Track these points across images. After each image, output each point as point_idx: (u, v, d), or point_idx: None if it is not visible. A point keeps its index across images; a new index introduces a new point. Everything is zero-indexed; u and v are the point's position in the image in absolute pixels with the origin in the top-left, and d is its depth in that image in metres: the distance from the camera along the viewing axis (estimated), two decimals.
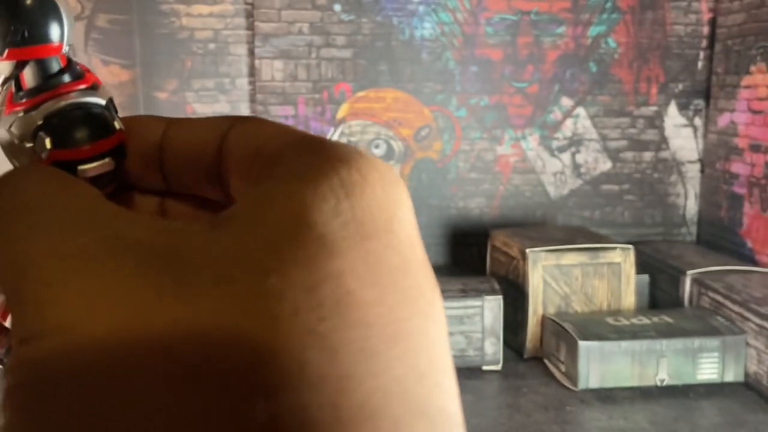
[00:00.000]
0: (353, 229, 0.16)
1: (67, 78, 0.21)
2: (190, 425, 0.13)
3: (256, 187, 0.18)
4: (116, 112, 0.22)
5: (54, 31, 0.20)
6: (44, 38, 0.20)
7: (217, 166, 0.21)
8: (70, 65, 0.21)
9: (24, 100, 0.20)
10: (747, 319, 2.18)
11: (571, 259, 2.37)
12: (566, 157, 3.02)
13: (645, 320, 2.25)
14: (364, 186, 0.17)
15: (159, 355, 0.14)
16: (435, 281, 0.18)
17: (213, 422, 0.14)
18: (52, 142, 0.20)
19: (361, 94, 2.92)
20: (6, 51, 0.20)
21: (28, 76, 0.20)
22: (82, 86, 0.21)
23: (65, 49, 0.21)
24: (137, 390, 0.14)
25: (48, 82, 0.21)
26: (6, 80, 0.21)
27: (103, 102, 0.22)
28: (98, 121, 0.21)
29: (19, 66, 0.20)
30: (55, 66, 0.21)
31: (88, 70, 0.22)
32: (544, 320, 2.32)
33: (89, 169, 0.21)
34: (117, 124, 0.21)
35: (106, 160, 0.21)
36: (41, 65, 0.20)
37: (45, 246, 0.15)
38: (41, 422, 0.14)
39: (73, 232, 0.16)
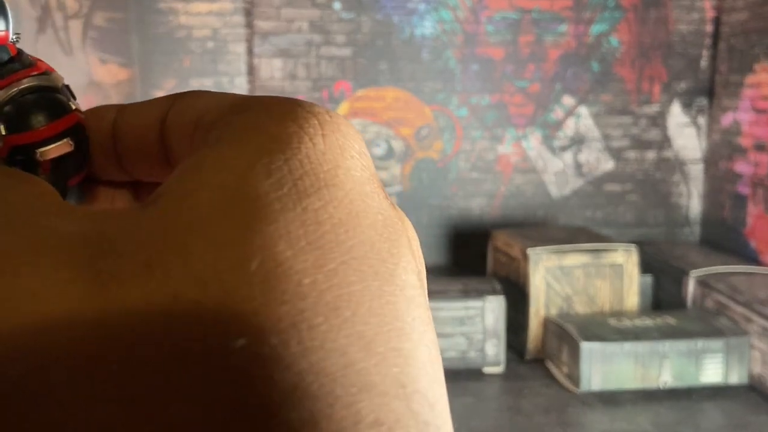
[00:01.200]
0: (289, 188, 0.15)
1: (17, 66, 0.21)
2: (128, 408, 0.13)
3: (187, 159, 0.16)
4: (73, 97, 0.22)
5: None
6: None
7: (164, 148, 0.20)
8: (20, 55, 0.21)
9: None
10: (751, 320, 2.16)
11: (573, 259, 2.36)
12: (568, 156, 3.00)
13: (648, 321, 2.23)
14: (301, 137, 0.15)
15: (75, 342, 0.13)
16: (402, 238, 0.15)
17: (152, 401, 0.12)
18: (7, 128, 0.20)
19: (361, 93, 2.90)
20: None
21: None
22: (34, 73, 0.21)
23: (12, 38, 0.21)
24: (54, 387, 0.13)
25: None
26: None
27: (57, 86, 0.21)
28: (52, 102, 0.21)
29: None
30: (4, 56, 0.21)
31: (40, 60, 0.22)
32: (546, 321, 2.30)
33: (48, 150, 0.20)
34: (72, 105, 0.21)
35: (65, 140, 0.21)
36: None
37: None
38: None
39: (3, 230, 0.15)
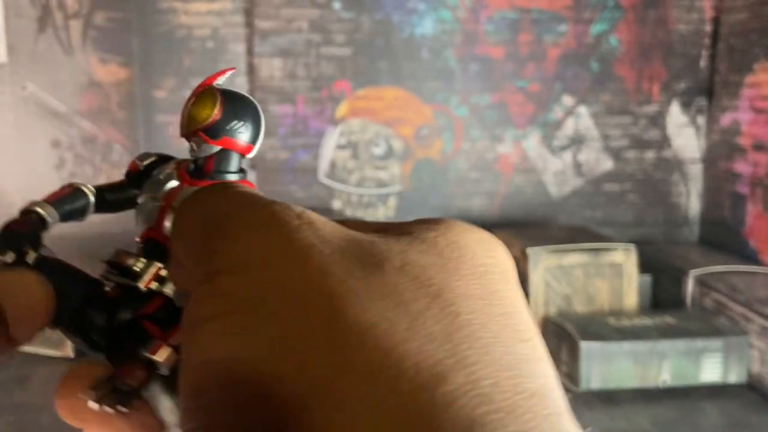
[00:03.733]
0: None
1: (235, 177, 0.28)
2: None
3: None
4: None
5: (257, 138, 0.28)
6: (253, 140, 0.28)
7: None
8: (243, 172, 0.29)
9: (202, 179, 0.28)
10: (750, 319, 2.16)
11: (572, 259, 2.36)
12: (568, 156, 3.00)
13: (647, 321, 2.23)
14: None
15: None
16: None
17: None
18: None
19: (360, 92, 2.90)
20: (222, 137, 0.27)
21: (219, 162, 0.28)
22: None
23: (251, 154, 0.29)
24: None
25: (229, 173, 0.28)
26: (192, 156, 0.28)
27: None
28: None
29: (220, 152, 0.28)
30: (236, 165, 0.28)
31: (249, 183, 0.28)
32: (545, 320, 2.30)
33: None
34: None
35: None
36: (234, 159, 0.28)
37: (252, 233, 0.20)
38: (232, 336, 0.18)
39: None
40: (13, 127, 2.78)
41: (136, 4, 2.77)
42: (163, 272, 0.27)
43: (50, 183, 2.36)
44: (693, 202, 3.05)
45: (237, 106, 0.28)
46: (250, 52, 2.82)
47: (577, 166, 3.01)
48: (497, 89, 2.95)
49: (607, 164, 3.02)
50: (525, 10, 2.92)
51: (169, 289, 0.27)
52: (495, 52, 2.94)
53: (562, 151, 3.00)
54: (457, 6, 2.90)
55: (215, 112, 0.27)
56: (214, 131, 0.27)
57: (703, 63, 2.99)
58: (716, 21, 2.94)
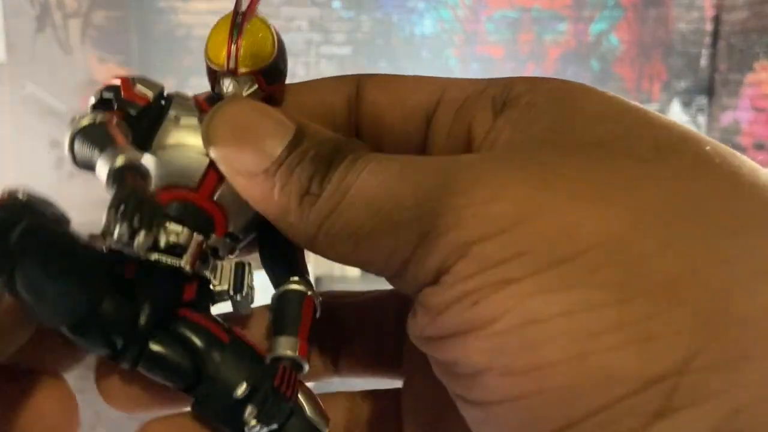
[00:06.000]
0: None
1: None
2: None
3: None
4: None
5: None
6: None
7: (348, 125, 0.23)
8: None
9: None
10: None
11: None
12: None
13: None
14: None
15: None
16: None
17: None
18: None
19: None
20: (277, 83, 0.24)
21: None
22: None
23: None
24: None
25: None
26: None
27: None
28: None
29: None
30: None
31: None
32: None
33: None
34: None
35: None
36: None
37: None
38: None
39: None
40: (12, 127, 2.78)
41: (136, 3, 2.77)
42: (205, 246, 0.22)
43: (49, 182, 2.35)
44: None
45: (282, 44, 0.24)
46: None
47: None
48: None
49: None
50: (525, 9, 2.92)
51: (208, 269, 0.22)
52: (495, 51, 2.94)
53: None
54: (457, 5, 2.90)
55: (275, 49, 0.23)
56: (272, 74, 0.23)
57: (703, 62, 2.99)
58: (717, 20, 2.94)
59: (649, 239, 0.16)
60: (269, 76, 0.23)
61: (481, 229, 0.17)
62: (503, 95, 0.21)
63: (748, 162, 0.18)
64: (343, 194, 0.19)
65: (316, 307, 0.23)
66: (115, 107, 0.23)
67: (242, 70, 0.22)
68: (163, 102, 0.23)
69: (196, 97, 0.24)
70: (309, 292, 0.23)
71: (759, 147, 2.62)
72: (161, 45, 2.84)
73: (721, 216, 0.17)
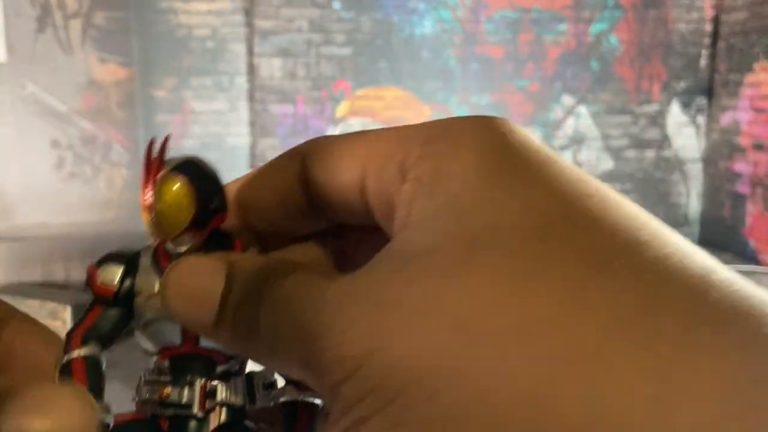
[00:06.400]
0: None
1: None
2: None
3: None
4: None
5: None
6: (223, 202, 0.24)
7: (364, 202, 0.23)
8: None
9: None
10: None
11: None
12: (568, 155, 3.00)
13: None
14: None
15: None
16: None
17: None
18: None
19: (361, 92, 2.90)
20: (211, 220, 0.23)
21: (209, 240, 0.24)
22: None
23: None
24: None
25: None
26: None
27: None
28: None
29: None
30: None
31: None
32: None
33: None
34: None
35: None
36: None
37: None
38: None
39: None
40: (13, 127, 2.78)
41: (136, 4, 2.77)
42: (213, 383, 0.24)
43: (50, 183, 2.34)
44: (693, 202, 3.06)
45: (203, 177, 0.23)
46: (249, 51, 2.82)
47: (578, 166, 3.01)
48: (497, 89, 2.95)
49: (608, 164, 3.02)
50: (525, 10, 2.92)
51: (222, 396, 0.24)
52: (495, 51, 2.94)
53: (562, 151, 3.00)
54: (457, 6, 2.91)
55: (193, 207, 0.22)
56: (203, 221, 0.23)
57: (703, 62, 2.99)
58: (716, 20, 2.94)
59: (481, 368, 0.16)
60: (201, 224, 0.23)
61: (341, 372, 0.18)
62: (406, 162, 0.21)
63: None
64: (269, 330, 0.20)
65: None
66: (95, 302, 0.24)
67: (170, 237, 0.22)
68: (137, 256, 0.24)
69: (156, 249, 0.24)
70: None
71: (758, 147, 2.63)
72: (162, 45, 2.85)
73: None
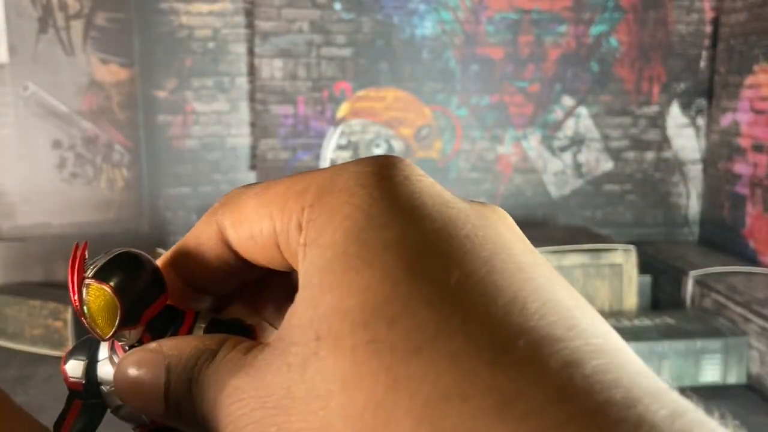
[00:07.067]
0: None
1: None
2: None
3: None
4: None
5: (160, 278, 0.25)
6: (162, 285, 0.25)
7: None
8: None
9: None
10: (749, 320, 2.16)
11: (572, 259, 2.36)
12: (567, 156, 3.00)
13: (647, 321, 2.23)
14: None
15: None
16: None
17: None
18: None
19: (361, 93, 2.90)
20: (143, 314, 0.24)
21: (156, 325, 0.24)
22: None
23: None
24: None
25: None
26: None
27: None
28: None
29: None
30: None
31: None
32: None
33: None
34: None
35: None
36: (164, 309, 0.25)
37: None
38: None
39: None
40: (14, 128, 2.79)
41: (137, 5, 2.78)
42: None
43: (51, 183, 2.35)
44: (693, 203, 3.06)
45: (126, 279, 0.23)
46: (250, 52, 2.83)
47: (577, 167, 3.01)
48: (497, 90, 2.95)
49: (607, 165, 3.02)
50: (525, 11, 2.93)
51: None
52: (495, 52, 2.95)
53: (562, 152, 3.01)
54: (457, 7, 2.91)
55: (118, 310, 0.23)
56: (133, 317, 0.23)
57: (702, 64, 2.99)
58: (716, 22, 2.94)
59: None
60: (133, 321, 0.23)
61: None
62: (302, 224, 0.22)
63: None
64: (201, 416, 0.23)
65: None
66: (70, 396, 0.26)
67: (107, 336, 0.23)
68: (98, 347, 0.25)
69: (113, 342, 0.25)
70: None
71: (758, 148, 2.63)
72: (163, 46, 2.85)
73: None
